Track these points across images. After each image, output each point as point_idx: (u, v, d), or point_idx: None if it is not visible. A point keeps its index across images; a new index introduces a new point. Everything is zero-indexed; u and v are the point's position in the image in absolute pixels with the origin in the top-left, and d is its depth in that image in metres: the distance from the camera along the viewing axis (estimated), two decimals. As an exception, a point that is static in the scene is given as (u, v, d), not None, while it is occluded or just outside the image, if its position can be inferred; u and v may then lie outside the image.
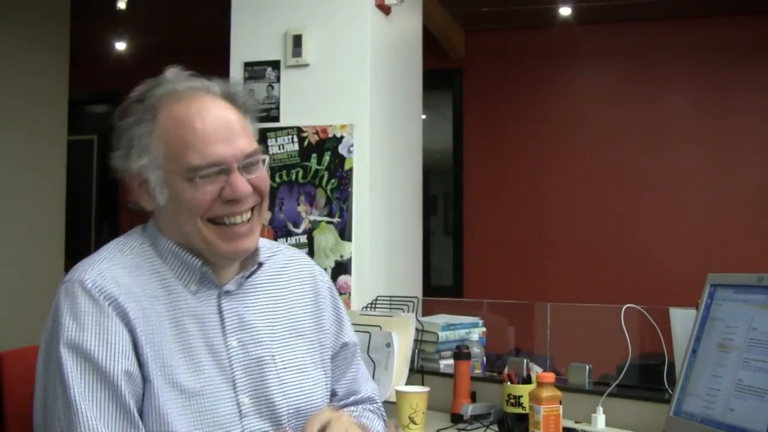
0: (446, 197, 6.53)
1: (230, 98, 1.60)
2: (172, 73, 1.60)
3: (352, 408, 1.76)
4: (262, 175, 1.58)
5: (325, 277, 1.82)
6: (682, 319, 2.29)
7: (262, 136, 3.47)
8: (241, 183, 1.53)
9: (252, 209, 1.58)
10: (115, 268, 1.51)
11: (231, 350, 1.55)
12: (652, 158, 5.98)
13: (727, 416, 1.81)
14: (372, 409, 1.81)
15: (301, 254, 1.84)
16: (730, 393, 1.82)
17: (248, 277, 1.63)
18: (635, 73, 6.12)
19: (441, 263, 6.44)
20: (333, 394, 1.74)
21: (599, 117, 6.15)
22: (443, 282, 6.37)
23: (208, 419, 1.48)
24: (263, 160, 1.59)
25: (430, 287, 5.38)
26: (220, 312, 1.57)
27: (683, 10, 5.81)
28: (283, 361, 1.61)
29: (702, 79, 5.96)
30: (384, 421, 1.84)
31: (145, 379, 1.45)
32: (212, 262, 1.57)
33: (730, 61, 5.87)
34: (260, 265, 1.65)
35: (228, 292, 1.60)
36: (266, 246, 1.71)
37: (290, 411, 1.59)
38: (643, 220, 5.95)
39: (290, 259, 1.77)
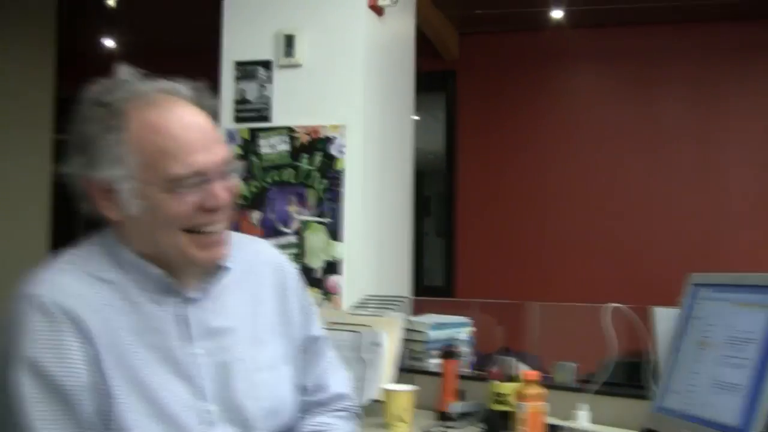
0: (439, 198, 6.55)
1: (199, 102, 1.53)
2: (126, 73, 1.53)
3: (326, 420, 1.71)
4: (236, 182, 1.54)
5: (291, 269, 1.77)
6: (665, 318, 2.32)
7: (254, 136, 3.49)
8: (222, 192, 1.49)
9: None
10: (72, 280, 1.46)
11: (197, 359, 1.51)
12: (643, 160, 6.01)
13: (704, 411, 1.84)
14: (342, 414, 1.76)
15: (266, 246, 1.79)
16: (708, 389, 1.86)
17: (212, 282, 1.58)
18: (628, 76, 6.15)
19: (434, 264, 6.46)
20: (302, 389, 1.70)
21: (591, 119, 6.18)
22: (436, 282, 6.39)
23: (176, 430, 1.45)
24: (237, 168, 1.55)
25: (423, 288, 5.41)
26: (185, 321, 1.52)
27: (676, 15, 5.83)
28: (252, 363, 1.57)
29: (694, 82, 5.99)
30: (357, 419, 1.81)
31: (108, 393, 1.41)
32: (179, 270, 1.53)
33: (722, 66, 5.91)
34: (224, 269, 1.59)
35: (192, 300, 1.54)
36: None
37: (262, 413, 1.56)
38: (634, 221, 5.98)
39: (255, 254, 1.71)
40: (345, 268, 3.36)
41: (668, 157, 5.97)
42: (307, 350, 1.72)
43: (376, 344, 2.65)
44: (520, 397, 2.19)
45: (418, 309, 3.22)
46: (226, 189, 1.50)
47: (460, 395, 2.63)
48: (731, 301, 1.91)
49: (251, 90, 3.52)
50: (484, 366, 2.91)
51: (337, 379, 1.79)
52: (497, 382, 2.43)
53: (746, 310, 1.84)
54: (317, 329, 1.77)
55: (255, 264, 1.69)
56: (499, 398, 2.40)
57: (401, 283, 3.86)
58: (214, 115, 1.56)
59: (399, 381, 2.70)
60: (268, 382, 1.59)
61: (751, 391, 1.71)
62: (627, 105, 6.11)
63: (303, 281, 1.80)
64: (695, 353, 1.96)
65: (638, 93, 6.10)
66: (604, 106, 6.18)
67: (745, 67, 5.88)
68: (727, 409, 1.75)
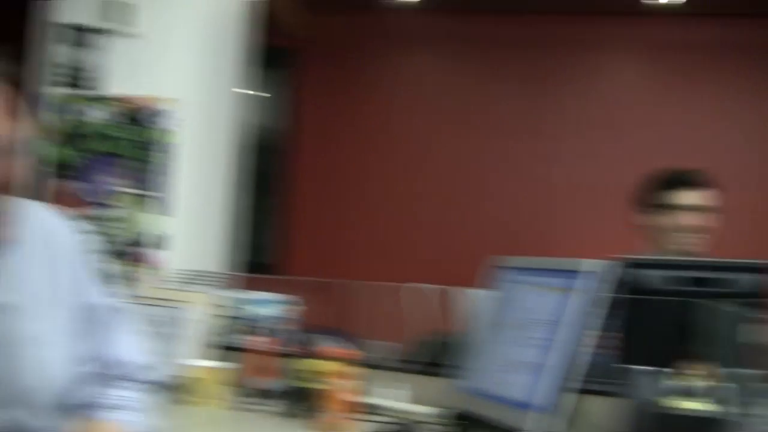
0: (278, 176, 6.50)
1: None
2: None
3: (114, 392, 1.64)
4: (18, 160, 1.43)
5: (71, 234, 1.67)
6: (474, 299, 2.38)
7: (77, 104, 3.36)
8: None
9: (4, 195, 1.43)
10: None
11: None
12: (477, 146, 6.20)
13: (500, 389, 1.92)
14: (133, 385, 1.69)
15: (49, 213, 1.67)
16: (504, 367, 1.94)
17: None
18: (468, 62, 6.33)
19: (270, 241, 6.42)
20: (84, 361, 1.60)
21: (430, 103, 6.31)
22: (270, 260, 6.34)
23: None
24: (20, 145, 1.44)
25: (256, 265, 5.34)
26: None
27: (521, 5, 5.97)
28: (32, 337, 1.50)
29: (528, 72, 6.21)
30: (149, 393, 1.73)
31: None
32: None
33: (556, 58, 6.17)
34: (11, 243, 1.51)
35: None
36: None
37: (36, 389, 1.49)
38: (460, 204, 6.17)
39: (41, 222, 1.62)
40: (171, 242, 3.29)
41: (500, 143, 6.18)
42: (88, 320, 1.63)
43: (185, 319, 2.61)
44: (327, 374, 2.20)
45: (242, 285, 3.19)
46: (3, 166, 1.40)
47: (272, 372, 2.61)
48: (529, 284, 1.98)
49: (76, 56, 3.36)
50: (299, 343, 2.90)
51: (128, 350, 1.71)
52: (307, 359, 2.42)
53: (542, 293, 1.91)
54: (102, 298, 1.68)
55: (40, 233, 1.60)
56: (307, 376, 2.39)
57: (227, 259, 3.80)
58: (13, 83, 1.44)
59: (211, 357, 2.67)
60: (46, 356, 1.51)
61: (538, 368, 1.78)
62: (465, 90, 6.27)
63: (100, 249, 1.74)
64: (496, 333, 2.03)
65: (477, 79, 6.26)
66: (444, 91, 6.32)
67: (577, 60, 6.14)
68: (519, 385, 1.83)
